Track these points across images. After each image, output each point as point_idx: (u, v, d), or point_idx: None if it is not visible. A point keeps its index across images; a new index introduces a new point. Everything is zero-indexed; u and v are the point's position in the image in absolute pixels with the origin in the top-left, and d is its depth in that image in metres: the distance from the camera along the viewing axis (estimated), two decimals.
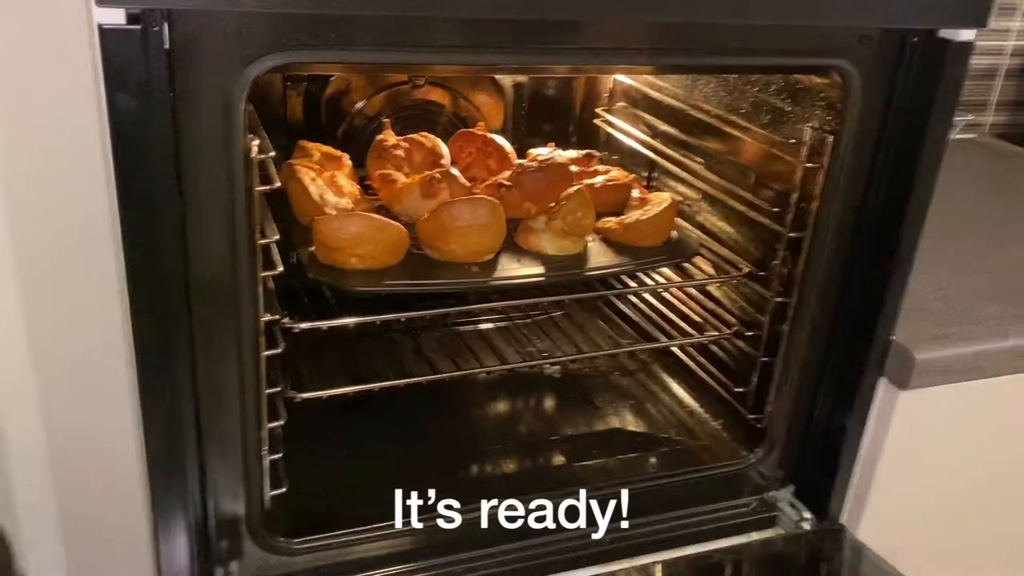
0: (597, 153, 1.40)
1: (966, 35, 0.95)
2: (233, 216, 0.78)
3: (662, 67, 1.21)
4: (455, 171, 1.17)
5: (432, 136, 1.29)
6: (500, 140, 1.32)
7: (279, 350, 0.89)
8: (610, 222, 1.21)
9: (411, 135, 1.28)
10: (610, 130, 1.49)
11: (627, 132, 1.44)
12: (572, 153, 1.37)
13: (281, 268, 0.86)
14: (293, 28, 0.74)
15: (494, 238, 1.08)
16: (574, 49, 0.87)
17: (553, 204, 1.16)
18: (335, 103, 1.39)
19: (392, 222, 1.05)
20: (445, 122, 1.44)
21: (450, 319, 1.39)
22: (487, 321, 1.41)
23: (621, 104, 1.48)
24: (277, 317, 0.91)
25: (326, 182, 1.13)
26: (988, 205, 1.57)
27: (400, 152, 1.24)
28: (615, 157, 1.52)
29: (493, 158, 1.30)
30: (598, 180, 1.28)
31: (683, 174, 1.32)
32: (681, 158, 1.31)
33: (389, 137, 1.26)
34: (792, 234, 1.09)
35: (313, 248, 1.05)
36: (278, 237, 0.86)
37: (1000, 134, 1.78)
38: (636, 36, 0.88)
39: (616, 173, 1.31)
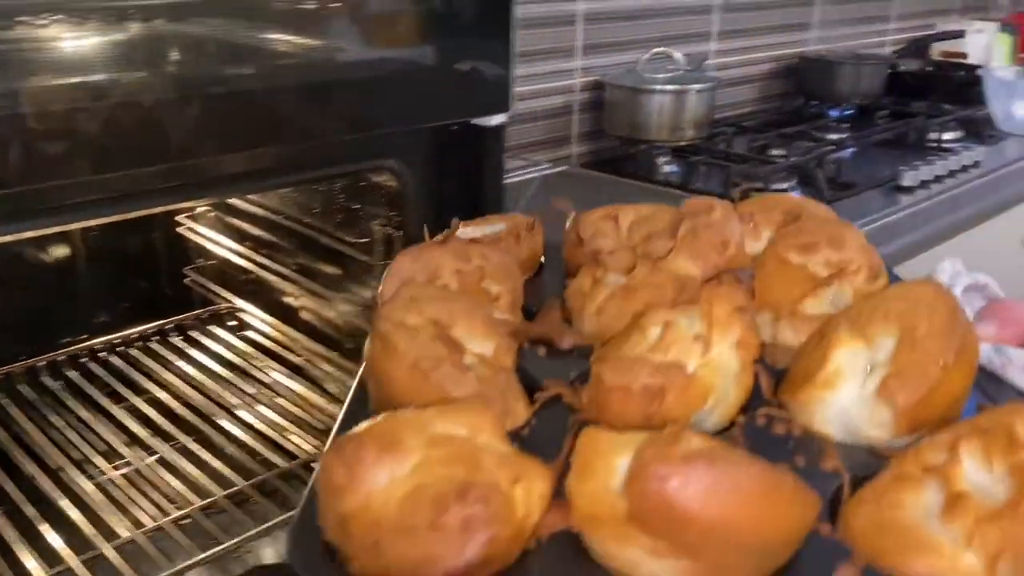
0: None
1: (498, 119, 0.98)
2: None
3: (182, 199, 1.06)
4: None
5: None
6: None
7: None
8: None
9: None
10: (199, 239, 1.38)
11: (219, 243, 1.34)
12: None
13: None
14: None
15: None
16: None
17: None
18: None
19: None
20: None
21: None
22: None
23: (203, 208, 1.37)
24: None
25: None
26: None
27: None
28: (212, 262, 1.41)
29: None
30: None
31: (280, 283, 1.25)
32: (277, 266, 1.24)
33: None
34: None
35: None
36: None
37: (584, 163, 1.93)
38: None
39: None
